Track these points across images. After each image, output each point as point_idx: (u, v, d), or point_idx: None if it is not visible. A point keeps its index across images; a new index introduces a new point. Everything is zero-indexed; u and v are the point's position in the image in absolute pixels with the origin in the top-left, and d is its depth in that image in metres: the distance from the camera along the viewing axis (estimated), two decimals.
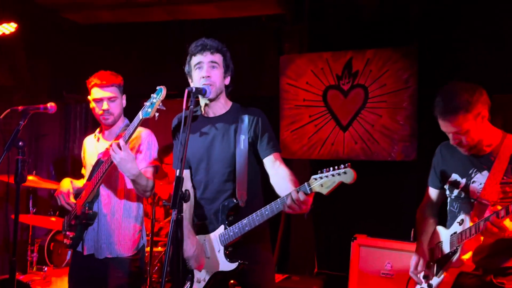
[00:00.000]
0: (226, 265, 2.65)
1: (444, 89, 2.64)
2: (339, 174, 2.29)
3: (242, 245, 2.65)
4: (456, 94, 2.59)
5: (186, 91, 2.47)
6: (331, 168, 2.31)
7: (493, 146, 2.63)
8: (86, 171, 3.27)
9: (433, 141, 2.84)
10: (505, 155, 2.56)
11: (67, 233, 3.17)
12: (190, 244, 2.69)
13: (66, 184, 3.19)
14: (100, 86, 3.11)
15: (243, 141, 2.71)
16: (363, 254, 4.26)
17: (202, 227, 2.77)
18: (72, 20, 5.40)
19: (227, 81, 2.82)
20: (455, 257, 2.61)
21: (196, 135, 2.81)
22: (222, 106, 2.82)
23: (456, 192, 2.75)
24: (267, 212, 2.50)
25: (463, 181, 2.69)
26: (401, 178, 4.79)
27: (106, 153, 2.99)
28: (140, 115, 2.77)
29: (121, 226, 3.13)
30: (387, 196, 4.77)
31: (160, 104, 2.70)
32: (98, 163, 3.08)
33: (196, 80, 2.72)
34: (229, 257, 2.65)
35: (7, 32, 4.90)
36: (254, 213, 2.55)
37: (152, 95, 2.74)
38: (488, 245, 2.55)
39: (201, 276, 2.73)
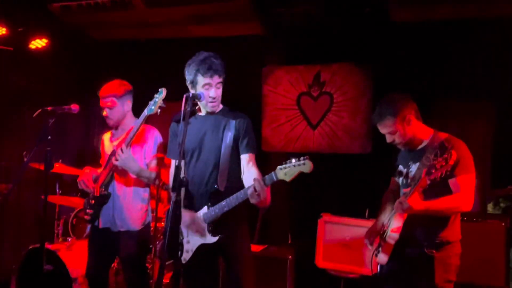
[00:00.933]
0: (209, 239, 2.68)
1: (380, 100, 2.72)
2: (299, 164, 2.33)
3: (222, 222, 2.67)
4: (385, 104, 2.67)
5: (184, 96, 2.49)
6: (293, 160, 2.35)
7: (425, 142, 2.69)
8: (103, 161, 3.28)
9: (384, 138, 2.88)
10: (432, 148, 2.62)
11: (87, 210, 3.18)
12: (183, 218, 2.73)
13: (87, 171, 3.19)
14: (101, 96, 3.15)
15: (229, 136, 2.72)
16: (328, 229, 4.31)
17: (189, 206, 2.77)
18: (92, 36, 5.36)
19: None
20: (387, 232, 2.66)
21: (192, 130, 2.81)
22: (215, 108, 2.83)
23: (401, 179, 2.80)
24: (241, 195, 2.53)
25: (404, 170, 2.75)
26: (359, 167, 4.83)
27: (119, 144, 3.02)
28: (145, 112, 2.82)
29: (131, 205, 3.14)
30: (347, 182, 4.82)
31: (162, 102, 2.73)
32: (112, 154, 3.09)
33: (205, 96, 2.70)
34: (211, 232, 2.67)
35: (39, 46, 4.88)
36: (231, 196, 2.56)
37: (155, 95, 2.77)
38: (417, 222, 2.58)
39: (189, 247, 2.75)
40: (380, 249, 2.67)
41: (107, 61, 5.39)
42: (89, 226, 3.24)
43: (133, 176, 3.10)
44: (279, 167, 2.38)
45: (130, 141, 2.97)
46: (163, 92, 2.76)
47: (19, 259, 4.08)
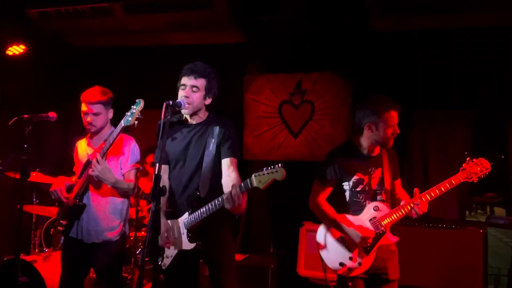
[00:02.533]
0: (187, 245, 2.67)
1: (377, 95, 2.87)
2: (272, 172, 2.33)
3: (203, 229, 2.66)
4: (387, 97, 2.86)
5: (164, 104, 2.47)
6: (268, 167, 2.35)
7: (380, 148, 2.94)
8: (77, 169, 3.21)
9: None
10: (386, 155, 2.92)
11: (61, 221, 3.10)
12: (162, 225, 2.71)
13: (60, 181, 3.12)
14: (88, 102, 3.04)
15: (212, 144, 2.71)
16: (309, 237, 4.31)
17: (173, 213, 2.77)
18: (71, 43, 5.30)
19: (208, 102, 2.78)
20: (384, 236, 2.77)
21: (178, 138, 2.80)
22: (199, 118, 2.81)
23: (360, 187, 2.81)
24: (219, 202, 2.52)
25: (365, 177, 2.83)
26: None
27: (94, 154, 2.96)
28: (122, 123, 2.75)
29: (106, 216, 3.06)
30: None
31: (139, 113, 2.67)
32: (87, 163, 3.03)
33: (179, 97, 2.70)
34: (190, 238, 2.66)
35: (17, 53, 4.80)
36: (210, 202, 2.55)
37: (132, 106, 2.71)
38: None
39: (169, 253, 2.74)
40: (372, 249, 2.76)
41: (86, 69, 5.31)
42: (62, 238, 3.14)
43: (109, 188, 3.04)
44: (254, 174, 2.38)
45: (106, 152, 2.91)
46: (140, 103, 2.70)
47: None
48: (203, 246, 2.67)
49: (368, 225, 2.76)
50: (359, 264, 2.75)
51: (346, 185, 2.84)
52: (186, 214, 2.69)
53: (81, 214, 3.03)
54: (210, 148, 2.71)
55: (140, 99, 2.69)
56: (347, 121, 4.87)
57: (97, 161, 2.83)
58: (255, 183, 2.36)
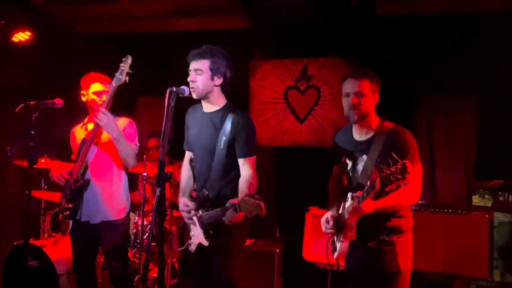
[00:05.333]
0: (203, 241, 2.69)
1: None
2: (255, 205, 2.34)
3: (217, 226, 2.65)
4: (365, 68, 2.65)
5: (168, 91, 2.47)
6: (253, 196, 2.33)
7: (372, 132, 2.58)
8: (75, 156, 3.25)
9: None
10: (379, 142, 2.52)
11: (65, 206, 3.14)
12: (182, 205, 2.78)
13: (57, 165, 3.16)
14: (102, 82, 3.10)
15: (223, 142, 2.68)
16: (315, 222, 4.29)
17: (196, 202, 2.81)
18: (76, 30, 5.30)
19: (218, 82, 2.72)
20: (344, 228, 2.55)
21: (196, 125, 2.82)
22: (213, 104, 2.77)
23: (346, 172, 2.70)
24: (217, 213, 2.56)
25: (350, 162, 2.66)
26: None
27: (89, 133, 3.00)
28: (114, 83, 2.79)
29: (111, 195, 3.11)
30: None
31: (128, 69, 2.71)
32: (83, 141, 3.07)
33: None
34: (205, 235, 2.68)
35: (23, 40, 4.80)
36: (213, 210, 2.59)
37: (120, 64, 2.74)
38: (368, 219, 2.49)
39: (193, 241, 2.78)
40: (341, 238, 2.59)
41: (91, 55, 5.31)
42: (71, 222, 3.19)
43: (113, 166, 3.10)
44: (242, 199, 2.39)
45: (107, 104, 2.95)
46: (128, 59, 2.74)
47: (4, 255, 4.04)
48: (218, 243, 2.68)
49: (344, 212, 2.58)
50: (334, 249, 2.68)
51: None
52: (200, 212, 2.72)
53: (85, 192, 3.07)
54: (221, 147, 2.68)
55: (128, 55, 2.71)
56: None
57: (103, 112, 2.86)
58: (241, 209, 2.38)
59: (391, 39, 4.64)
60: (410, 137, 2.52)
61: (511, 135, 4.46)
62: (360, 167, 2.57)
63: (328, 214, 2.66)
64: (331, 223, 2.61)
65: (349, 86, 2.56)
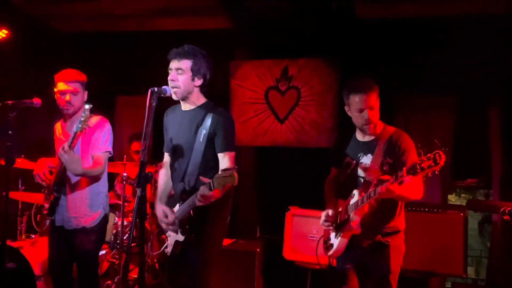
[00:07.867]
0: (179, 237, 2.68)
1: (353, 79, 2.77)
2: (227, 176, 2.32)
3: (193, 221, 2.64)
4: (366, 79, 2.72)
5: (149, 91, 2.45)
6: (225, 170, 2.35)
7: (377, 134, 2.77)
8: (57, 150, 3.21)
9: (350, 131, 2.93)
10: (383, 142, 2.71)
11: (45, 205, 3.11)
12: (159, 211, 2.75)
13: (42, 163, 3.11)
14: (65, 80, 3.03)
15: (203, 135, 2.66)
16: (295, 222, 4.35)
17: (171, 202, 2.82)
18: (56, 28, 5.22)
19: (198, 83, 2.72)
20: (347, 223, 2.69)
21: (175, 124, 2.80)
22: (193, 102, 2.76)
23: (348, 171, 2.83)
24: (192, 200, 2.54)
25: (353, 162, 2.80)
26: (325, 160, 4.86)
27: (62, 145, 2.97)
28: (75, 129, 2.78)
29: (85, 204, 3.08)
30: (314, 175, 4.83)
31: (86, 123, 2.72)
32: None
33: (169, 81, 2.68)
34: (181, 230, 2.66)
35: (0, 38, 4.71)
36: (191, 197, 2.57)
37: (81, 114, 2.74)
38: (372, 213, 2.69)
39: (169, 242, 2.77)
40: (340, 234, 2.72)
41: (71, 54, 5.24)
42: (48, 221, 3.15)
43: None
44: (215, 176, 2.38)
45: (71, 142, 2.86)
46: (86, 112, 2.70)
47: None
48: (194, 239, 2.65)
49: (343, 210, 2.77)
50: (330, 245, 2.78)
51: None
52: (177, 206, 2.70)
53: (59, 200, 3.04)
54: (201, 140, 2.66)
55: (87, 106, 2.70)
56: (333, 107, 4.89)
57: (63, 150, 2.82)
58: (215, 186, 2.37)
59: (370, 41, 4.71)
60: (408, 139, 2.74)
61: (486, 135, 4.58)
62: (365, 165, 2.72)
63: (328, 211, 2.81)
64: (331, 219, 2.77)
65: (361, 102, 2.67)
